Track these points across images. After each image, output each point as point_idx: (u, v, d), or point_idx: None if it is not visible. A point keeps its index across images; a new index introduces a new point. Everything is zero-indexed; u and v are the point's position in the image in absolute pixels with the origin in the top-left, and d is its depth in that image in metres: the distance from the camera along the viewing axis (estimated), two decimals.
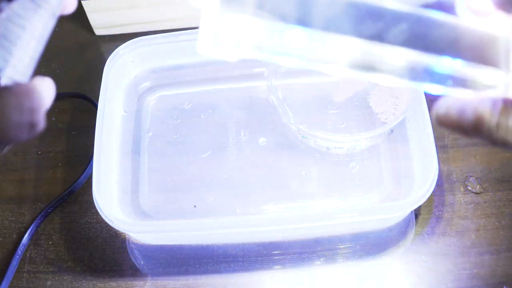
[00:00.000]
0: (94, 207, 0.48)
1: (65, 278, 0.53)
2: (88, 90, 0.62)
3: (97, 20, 0.66)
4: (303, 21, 0.26)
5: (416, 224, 0.53)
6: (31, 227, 0.54)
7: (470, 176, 0.55)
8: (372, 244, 0.53)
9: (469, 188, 0.55)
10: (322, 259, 0.52)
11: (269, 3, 0.26)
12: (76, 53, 0.68)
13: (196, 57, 0.57)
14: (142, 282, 0.52)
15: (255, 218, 0.51)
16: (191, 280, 0.52)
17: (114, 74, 0.56)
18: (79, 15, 0.67)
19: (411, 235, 0.53)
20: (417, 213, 0.54)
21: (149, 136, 0.59)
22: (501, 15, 0.28)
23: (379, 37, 0.26)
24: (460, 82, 0.28)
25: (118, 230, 0.54)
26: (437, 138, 0.50)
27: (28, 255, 0.54)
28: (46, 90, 0.30)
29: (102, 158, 0.51)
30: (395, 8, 0.27)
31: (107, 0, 0.63)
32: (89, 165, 0.57)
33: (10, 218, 0.56)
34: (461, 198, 0.54)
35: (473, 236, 0.52)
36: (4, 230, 0.55)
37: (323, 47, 0.27)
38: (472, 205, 0.54)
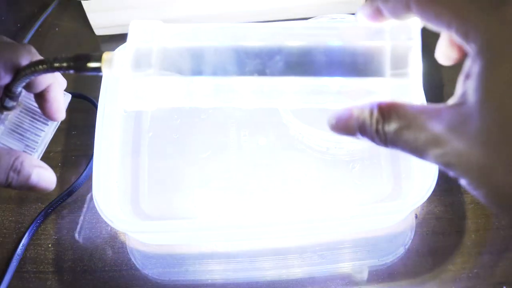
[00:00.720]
0: (94, 207, 0.48)
1: (65, 278, 0.53)
2: (88, 90, 0.62)
3: (97, 20, 0.66)
4: (197, 72, 0.31)
5: (416, 224, 0.53)
6: (31, 227, 0.54)
7: None
8: (372, 244, 0.53)
9: None
10: (322, 259, 0.52)
11: (168, 63, 0.31)
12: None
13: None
14: (142, 282, 0.52)
15: (255, 218, 0.51)
16: (191, 280, 0.52)
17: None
18: (79, 15, 0.67)
19: (411, 235, 0.53)
20: (417, 213, 0.54)
21: (149, 136, 0.59)
22: (394, 20, 0.30)
23: (262, 71, 0.31)
24: (346, 94, 0.31)
25: (118, 230, 0.54)
26: None
27: (28, 255, 0.54)
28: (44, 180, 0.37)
29: (102, 158, 0.51)
30: (270, 45, 0.31)
31: (107, 0, 0.63)
32: (89, 165, 0.57)
33: (10, 218, 0.56)
34: (461, 198, 0.54)
35: (473, 236, 0.52)
36: (4, 230, 0.55)
37: (222, 89, 0.32)
38: (472, 205, 0.54)
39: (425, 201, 0.46)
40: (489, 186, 0.26)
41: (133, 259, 0.53)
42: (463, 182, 0.27)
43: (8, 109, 0.38)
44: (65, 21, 0.69)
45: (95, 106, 0.54)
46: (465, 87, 0.26)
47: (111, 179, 0.53)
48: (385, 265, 0.52)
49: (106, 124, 0.53)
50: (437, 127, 0.26)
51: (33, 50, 0.37)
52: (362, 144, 0.55)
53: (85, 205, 0.56)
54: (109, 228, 0.54)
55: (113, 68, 0.33)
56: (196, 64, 0.31)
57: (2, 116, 0.38)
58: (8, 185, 0.36)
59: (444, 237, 0.53)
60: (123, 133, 0.57)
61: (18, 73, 0.34)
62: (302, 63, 0.31)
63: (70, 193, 0.56)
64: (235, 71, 0.31)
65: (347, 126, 0.30)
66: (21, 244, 0.53)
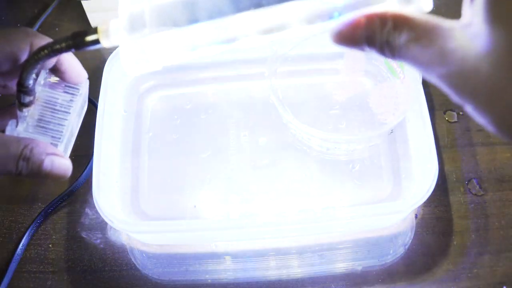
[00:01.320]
0: (94, 207, 0.48)
1: (65, 278, 0.53)
2: (88, 90, 0.62)
3: (97, 20, 0.66)
4: (193, 20, 0.30)
5: (416, 224, 0.53)
6: (31, 227, 0.54)
7: (470, 176, 0.55)
8: (372, 244, 0.53)
9: (469, 188, 0.55)
10: (322, 259, 0.52)
11: (163, 18, 0.31)
12: (76, 53, 0.67)
13: (196, 57, 0.57)
14: (142, 282, 0.52)
15: (254, 218, 0.51)
16: (191, 280, 0.52)
17: (114, 74, 0.56)
18: (79, 15, 0.67)
19: (411, 235, 0.53)
20: (417, 213, 0.54)
21: (149, 136, 0.59)
22: None
23: (259, 3, 0.29)
24: (352, 8, 0.29)
25: (118, 230, 0.54)
26: (437, 138, 0.50)
27: (28, 255, 0.54)
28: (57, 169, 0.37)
29: (102, 158, 0.51)
30: None
31: (107, 0, 0.63)
32: (89, 165, 0.57)
33: (10, 218, 0.56)
34: (461, 198, 0.54)
35: (473, 236, 0.52)
36: (4, 230, 0.55)
37: (222, 31, 0.31)
38: (472, 205, 0.54)
39: (425, 201, 0.46)
40: (499, 109, 0.25)
41: (133, 259, 0.53)
42: (468, 108, 0.26)
43: (26, 105, 0.38)
44: (65, 21, 0.69)
45: (95, 106, 0.54)
46: (472, 8, 0.25)
47: (111, 179, 0.53)
48: (385, 265, 0.52)
49: (106, 124, 0.53)
50: (445, 44, 0.26)
51: (30, 31, 0.37)
52: (361, 144, 0.55)
53: (85, 205, 0.56)
54: (109, 228, 0.54)
55: (111, 37, 0.33)
56: (191, 12, 0.31)
57: (23, 113, 0.38)
58: (19, 173, 0.35)
59: (444, 237, 0.53)
60: (123, 133, 0.57)
61: (24, 65, 0.34)
62: None
63: (70, 193, 0.56)
64: (230, 10, 0.30)
65: (353, 36, 0.28)
66: (21, 244, 0.53)
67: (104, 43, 0.33)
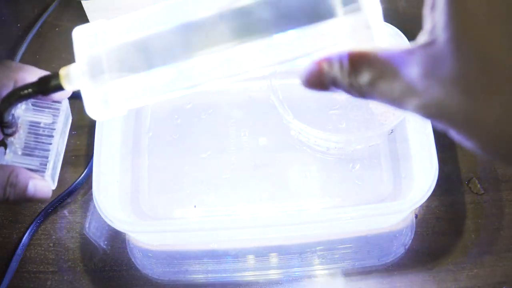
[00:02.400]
0: (94, 207, 0.48)
1: (65, 278, 0.53)
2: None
3: (97, 20, 0.66)
4: (151, 64, 0.30)
5: (416, 224, 0.53)
6: (31, 227, 0.54)
7: (470, 176, 0.55)
8: (372, 244, 0.53)
9: (469, 188, 0.55)
10: (321, 259, 0.52)
11: (119, 64, 0.30)
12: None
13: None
14: (142, 282, 0.52)
15: (255, 218, 0.51)
16: (191, 280, 0.52)
17: None
18: (79, 15, 0.67)
19: (411, 235, 0.53)
20: (417, 213, 0.54)
21: (149, 136, 0.59)
22: None
23: (212, 43, 0.29)
24: (305, 46, 0.28)
25: (118, 230, 0.54)
26: (437, 138, 0.50)
27: (28, 255, 0.54)
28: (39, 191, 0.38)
29: (102, 158, 0.51)
30: (211, 13, 0.29)
31: (107, 0, 0.63)
32: (89, 165, 0.57)
33: (10, 218, 0.56)
34: (461, 198, 0.54)
35: (473, 236, 0.52)
36: (4, 230, 0.55)
37: (181, 74, 0.30)
38: (472, 205, 0.54)
39: (425, 201, 0.46)
40: (479, 136, 0.22)
41: (133, 259, 0.53)
42: (452, 134, 0.24)
43: (10, 134, 0.39)
44: (65, 21, 0.69)
45: None
46: (433, 21, 0.22)
47: (111, 179, 0.53)
48: (385, 265, 0.52)
49: (106, 124, 0.53)
50: (411, 74, 0.23)
51: (14, 65, 0.37)
52: (361, 144, 0.55)
53: (85, 205, 0.56)
54: (109, 228, 0.54)
55: (73, 82, 0.32)
56: (145, 57, 0.30)
57: (8, 141, 0.39)
58: (6, 199, 0.36)
59: (444, 237, 0.53)
60: (123, 133, 0.57)
61: None
62: (249, 25, 0.28)
63: (70, 193, 0.56)
64: (184, 53, 0.29)
65: (319, 82, 0.27)
66: (21, 244, 0.53)
67: (68, 88, 0.33)
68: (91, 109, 0.31)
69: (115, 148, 0.55)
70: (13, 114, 0.37)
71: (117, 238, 0.54)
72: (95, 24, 0.32)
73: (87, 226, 0.55)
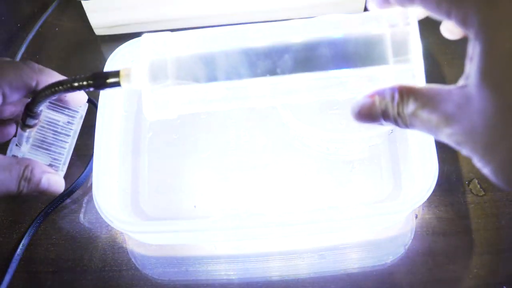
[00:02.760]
0: (94, 207, 0.48)
1: (65, 278, 0.53)
2: (88, 91, 0.62)
3: (97, 20, 0.66)
4: (212, 78, 0.33)
5: (416, 224, 0.53)
6: (31, 227, 0.54)
7: (471, 176, 0.55)
8: (372, 244, 0.53)
9: (469, 188, 0.55)
10: (322, 259, 0.52)
11: (183, 72, 0.33)
12: (76, 53, 0.68)
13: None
14: (142, 282, 0.52)
15: (255, 218, 0.51)
16: (191, 280, 0.52)
17: None
18: (79, 15, 0.67)
19: (411, 235, 0.53)
20: (417, 213, 0.54)
21: (149, 136, 0.59)
22: (398, 7, 0.32)
23: (273, 71, 0.33)
24: (354, 84, 0.33)
25: (118, 230, 0.54)
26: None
27: (28, 255, 0.54)
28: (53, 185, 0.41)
29: (102, 158, 0.51)
30: (278, 44, 0.33)
31: (107, 0, 0.63)
32: (89, 165, 0.57)
33: (10, 218, 0.56)
34: (461, 198, 0.54)
35: (473, 236, 0.52)
36: (4, 230, 0.55)
37: (236, 91, 0.34)
38: (472, 205, 0.54)
39: (425, 201, 0.46)
40: (495, 162, 0.28)
41: (133, 259, 0.53)
42: (474, 160, 0.29)
43: (31, 126, 0.40)
44: (65, 21, 0.69)
45: (95, 106, 0.54)
46: (469, 69, 0.28)
47: (111, 179, 0.53)
48: (385, 265, 0.52)
49: (106, 124, 0.53)
50: (447, 108, 0.29)
51: (36, 66, 0.39)
52: (361, 144, 0.55)
53: (85, 205, 0.56)
54: (109, 228, 0.54)
55: (132, 82, 0.35)
56: (210, 71, 0.33)
57: (26, 134, 0.41)
58: (19, 193, 0.38)
59: (444, 237, 0.53)
60: (123, 133, 0.57)
61: (39, 94, 0.37)
62: (310, 59, 0.32)
63: (70, 193, 0.56)
64: (247, 73, 0.33)
65: (371, 113, 0.32)
66: (21, 244, 0.53)
67: (125, 87, 0.35)
68: (148, 109, 0.34)
69: (115, 148, 0.55)
70: (42, 109, 0.39)
71: (116, 238, 0.54)
72: (163, 34, 0.35)
73: (87, 226, 0.55)
